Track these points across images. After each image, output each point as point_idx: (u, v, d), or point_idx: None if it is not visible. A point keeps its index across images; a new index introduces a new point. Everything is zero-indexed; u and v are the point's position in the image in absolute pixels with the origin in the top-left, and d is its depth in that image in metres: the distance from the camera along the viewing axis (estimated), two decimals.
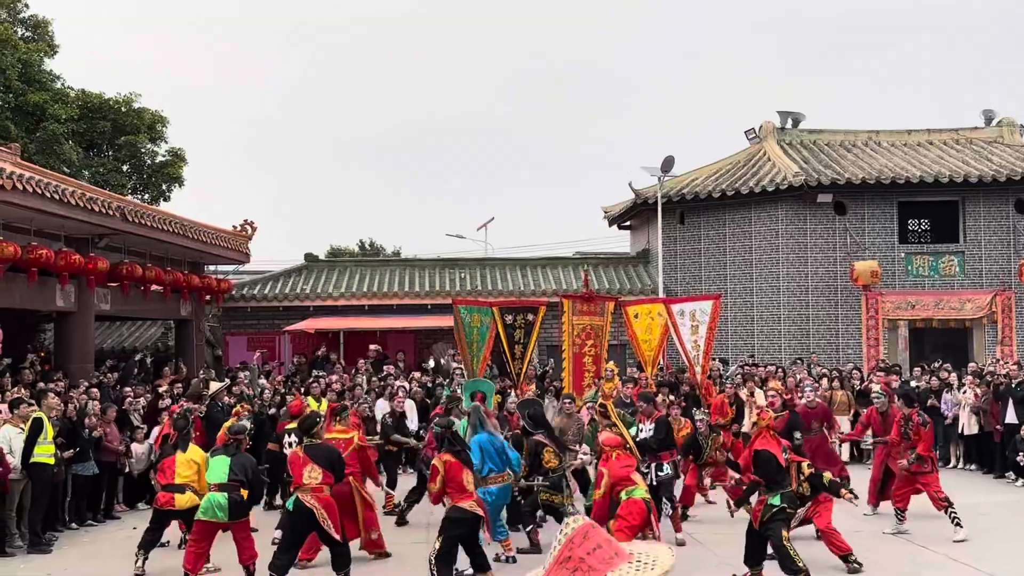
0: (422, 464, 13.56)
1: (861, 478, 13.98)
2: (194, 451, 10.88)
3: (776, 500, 9.53)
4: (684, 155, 39.93)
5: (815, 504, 10.44)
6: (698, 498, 13.87)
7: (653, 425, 12.40)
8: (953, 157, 25.20)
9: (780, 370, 19.13)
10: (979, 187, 23.45)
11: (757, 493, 9.77)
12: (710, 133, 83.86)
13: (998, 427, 16.68)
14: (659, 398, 13.99)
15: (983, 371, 18.34)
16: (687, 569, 10.13)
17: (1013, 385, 16.54)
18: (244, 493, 9.82)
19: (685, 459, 13.50)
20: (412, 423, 15.85)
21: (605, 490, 9.79)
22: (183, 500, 10.53)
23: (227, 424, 11.70)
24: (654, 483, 11.72)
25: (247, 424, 11.48)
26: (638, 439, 11.73)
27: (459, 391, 14.99)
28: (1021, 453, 15.83)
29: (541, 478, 11.42)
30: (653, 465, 11.96)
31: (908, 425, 12.30)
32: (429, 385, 18.88)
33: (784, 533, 9.37)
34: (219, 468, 9.83)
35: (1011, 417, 16.26)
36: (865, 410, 14.63)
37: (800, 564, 9.23)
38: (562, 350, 16.45)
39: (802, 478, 10.17)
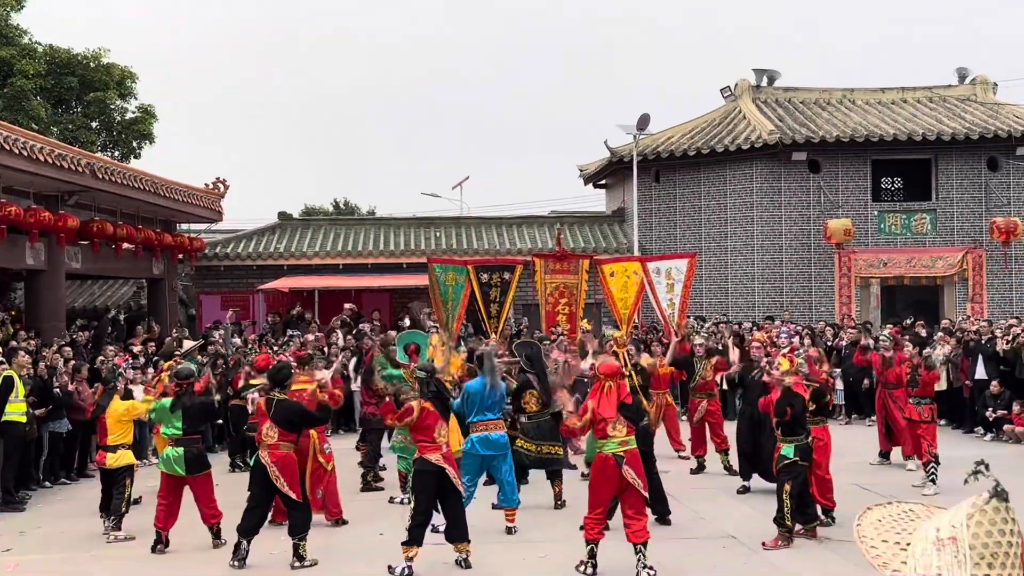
0: (364, 426, 13.50)
1: (860, 435, 13.99)
2: (116, 407, 10.55)
3: (789, 452, 9.42)
4: (660, 113, 39.82)
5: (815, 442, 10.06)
6: (669, 452, 13.97)
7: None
8: (926, 115, 25.27)
9: (756, 327, 19.21)
10: (952, 145, 23.54)
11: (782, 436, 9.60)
12: (686, 91, 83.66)
13: (968, 383, 16.92)
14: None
15: (954, 328, 18.54)
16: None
17: (983, 341, 16.76)
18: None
19: (679, 371, 13.97)
20: None
21: (586, 424, 8.72)
22: (112, 459, 10.32)
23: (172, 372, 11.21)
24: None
25: (192, 366, 11.34)
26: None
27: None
28: (990, 408, 16.08)
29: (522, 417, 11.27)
30: None
31: (916, 371, 12.46)
32: None
33: (787, 487, 9.24)
34: (174, 421, 9.66)
35: (980, 373, 16.52)
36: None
37: (788, 523, 9.17)
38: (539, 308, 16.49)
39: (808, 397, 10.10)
